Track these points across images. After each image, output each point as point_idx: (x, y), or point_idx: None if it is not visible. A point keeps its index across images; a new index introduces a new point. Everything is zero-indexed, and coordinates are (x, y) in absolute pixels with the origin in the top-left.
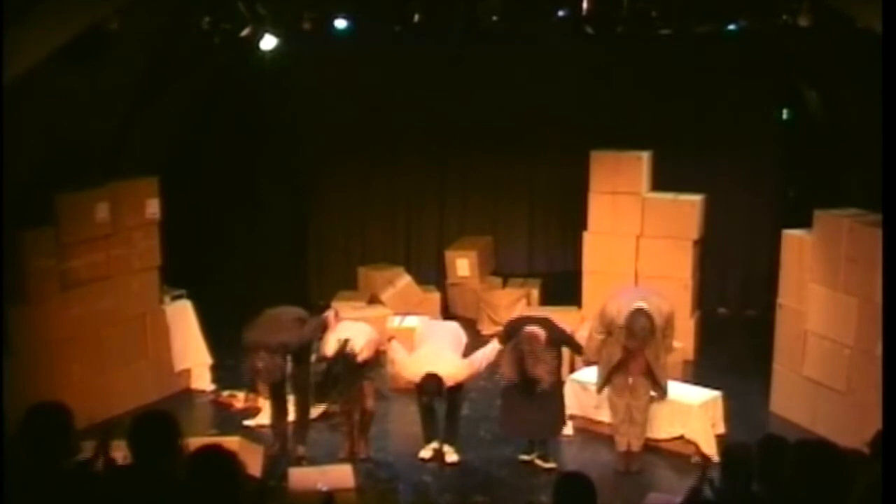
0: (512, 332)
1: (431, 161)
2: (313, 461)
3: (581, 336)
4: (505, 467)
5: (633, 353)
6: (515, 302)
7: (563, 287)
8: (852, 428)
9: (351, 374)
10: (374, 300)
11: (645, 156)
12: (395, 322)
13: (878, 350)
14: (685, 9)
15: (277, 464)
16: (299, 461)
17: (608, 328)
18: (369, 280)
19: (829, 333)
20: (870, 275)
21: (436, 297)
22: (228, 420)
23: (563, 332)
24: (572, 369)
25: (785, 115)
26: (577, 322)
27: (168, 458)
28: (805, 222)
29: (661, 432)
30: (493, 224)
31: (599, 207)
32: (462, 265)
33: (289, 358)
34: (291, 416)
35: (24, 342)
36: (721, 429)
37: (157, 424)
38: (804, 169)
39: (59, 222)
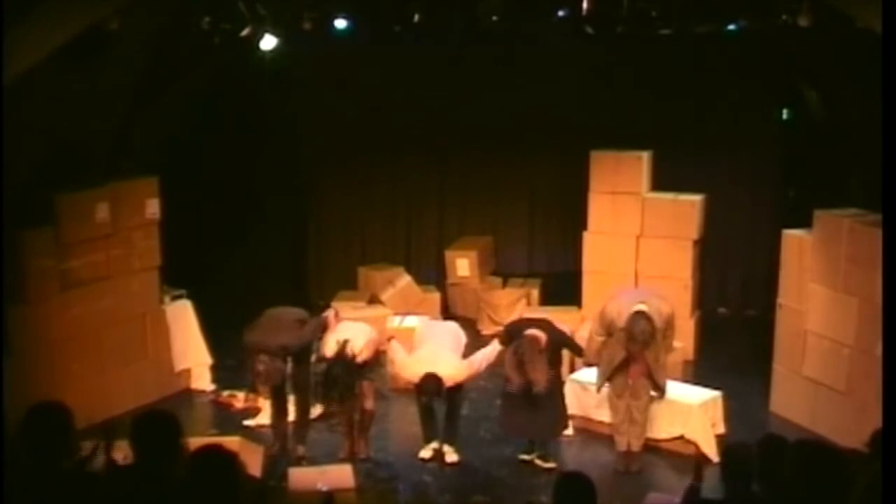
0: (513, 335)
1: (431, 161)
2: (313, 461)
3: (581, 336)
4: (505, 467)
5: (634, 355)
6: (515, 302)
7: (563, 287)
8: (852, 428)
9: (350, 375)
10: (374, 300)
11: (645, 156)
12: (395, 322)
13: (878, 350)
14: (685, 9)
15: (277, 464)
16: (299, 461)
17: (608, 330)
18: (369, 280)
19: (829, 333)
20: (870, 275)
21: (436, 297)
22: (228, 420)
23: (563, 334)
24: (572, 369)
25: (785, 115)
26: (577, 322)
27: (169, 457)
28: (805, 222)
29: (661, 432)
30: (493, 224)
31: (599, 207)
32: (462, 265)
33: (289, 359)
34: (291, 416)
35: (24, 342)
36: (721, 429)
37: (159, 424)
38: (804, 169)
39: (59, 222)
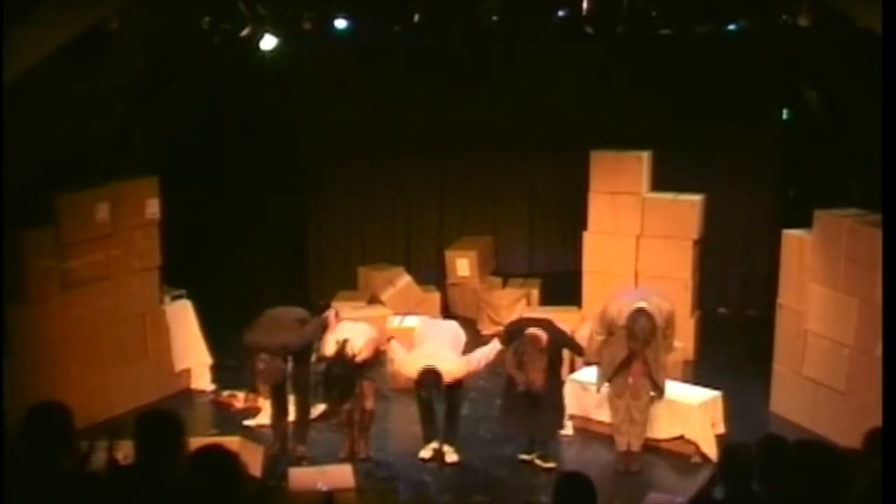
0: (513, 335)
1: (431, 161)
2: (313, 461)
3: (581, 336)
4: (505, 467)
5: (635, 353)
6: (515, 302)
7: (563, 287)
8: (852, 428)
9: (350, 374)
10: (374, 300)
11: (645, 156)
12: (395, 322)
13: (878, 350)
14: (685, 9)
15: (277, 464)
16: (299, 461)
17: (609, 329)
18: (369, 280)
19: (829, 333)
20: (870, 275)
21: (436, 297)
22: (228, 420)
23: (563, 333)
24: (572, 369)
25: (785, 115)
26: (578, 322)
27: (171, 457)
28: (805, 222)
29: (661, 432)
30: (493, 224)
31: (599, 207)
32: (462, 265)
33: (289, 358)
34: (291, 416)
35: (24, 342)
36: (721, 429)
37: (163, 423)
38: (804, 169)
39: (59, 222)
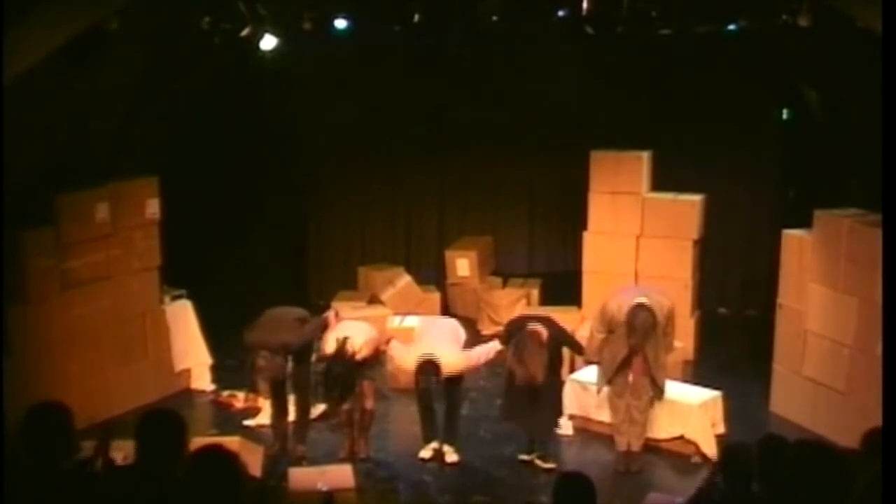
0: (514, 331)
1: (431, 161)
2: (313, 461)
3: (581, 336)
4: (505, 467)
5: (635, 351)
6: (515, 302)
7: (563, 287)
8: (852, 428)
9: (350, 373)
10: (374, 300)
11: (645, 156)
12: (395, 322)
13: (878, 350)
14: (685, 9)
15: (277, 464)
16: (299, 461)
17: (609, 326)
18: (369, 280)
19: (829, 333)
20: (870, 275)
21: (436, 297)
22: (228, 420)
23: (564, 331)
24: (572, 369)
25: (785, 115)
26: (578, 322)
27: (173, 457)
28: (805, 222)
29: (661, 432)
30: (493, 224)
31: (599, 207)
32: (462, 265)
33: (289, 358)
34: (291, 416)
35: (24, 342)
36: (721, 429)
37: (165, 422)
38: (804, 169)
39: (59, 222)
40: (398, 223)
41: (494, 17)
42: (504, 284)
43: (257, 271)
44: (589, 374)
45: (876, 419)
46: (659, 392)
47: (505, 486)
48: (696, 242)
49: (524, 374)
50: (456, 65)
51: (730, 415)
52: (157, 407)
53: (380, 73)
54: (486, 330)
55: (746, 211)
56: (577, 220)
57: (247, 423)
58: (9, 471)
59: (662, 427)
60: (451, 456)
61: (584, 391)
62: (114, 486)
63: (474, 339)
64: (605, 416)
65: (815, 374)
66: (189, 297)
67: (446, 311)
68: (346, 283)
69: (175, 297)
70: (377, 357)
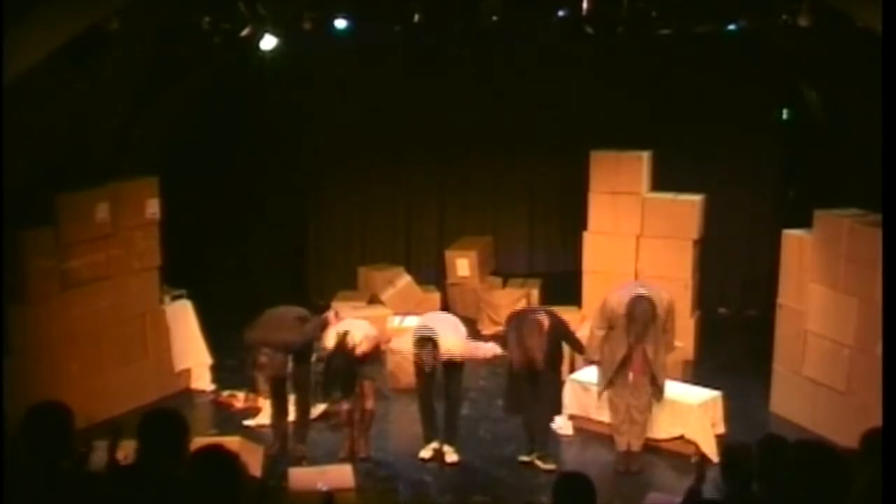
0: (515, 318)
1: (431, 161)
2: (313, 461)
3: (582, 336)
4: (505, 467)
5: (636, 344)
6: (515, 302)
7: (563, 287)
8: (852, 428)
9: (351, 367)
10: (374, 300)
11: (645, 156)
12: (395, 322)
13: (878, 350)
14: (685, 9)
15: (277, 464)
16: (299, 461)
17: (609, 322)
18: (369, 280)
19: (829, 333)
20: (870, 275)
21: (436, 297)
22: (228, 420)
23: (565, 325)
24: (572, 369)
25: (785, 115)
26: (578, 322)
27: (174, 456)
28: (805, 222)
29: (661, 432)
30: (493, 224)
31: (599, 207)
32: (462, 265)
33: (290, 358)
34: (291, 416)
35: (24, 342)
36: (721, 429)
37: (167, 422)
38: (804, 169)
39: (59, 222)
40: (398, 223)
41: (494, 17)
42: (504, 284)
43: (257, 271)
44: (589, 374)
45: (876, 419)
46: (658, 392)
47: (505, 486)
48: (696, 242)
49: (522, 357)
50: (456, 65)
51: (730, 415)
52: (158, 407)
53: (380, 73)
54: (486, 330)
55: (746, 211)
56: (577, 220)
57: (247, 423)
58: (9, 471)
59: (662, 427)
60: (451, 456)
61: (584, 391)
62: (114, 485)
63: (474, 339)
64: (605, 416)
65: (815, 374)
66: (189, 297)
67: (446, 311)
68: (346, 283)
69: (175, 297)
70: (377, 354)
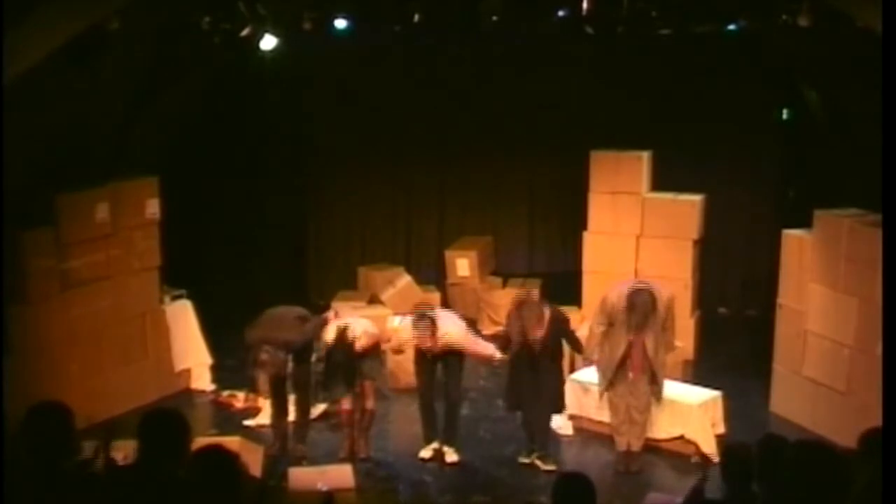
0: (519, 302)
1: (431, 161)
2: (313, 461)
3: (581, 336)
4: (505, 467)
5: (635, 340)
6: None
7: (563, 287)
8: (852, 428)
9: (351, 361)
10: (374, 300)
11: (645, 156)
12: (396, 322)
13: (878, 350)
14: (685, 9)
15: (277, 464)
16: (299, 461)
17: (609, 317)
18: (369, 280)
19: (829, 333)
20: (870, 275)
21: (436, 297)
22: (228, 420)
23: (567, 322)
24: (572, 369)
25: (785, 115)
26: (578, 322)
27: (175, 456)
28: (805, 222)
29: (661, 432)
30: (493, 224)
31: (599, 207)
32: (462, 265)
33: (290, 357)
34: (291, 416)
35: (24, 342)
36: (721, 429)
37: (168, 422)
38: (804, 169)
39: (59, 222)
40: (398, 223)
41: (494, 17)
42: (504, 284)
43: (257, 271)
44: (589, 374)
45: (876, 419)
46: (657, 391)
47: (505, 486)
48: (696, 242)
49: (520, 332)
50: (456, 65)
51: (730, 415)
52: (160, 407)
53: (380, 73)
54: (486, 330)
55: (746, 211)
56: (577, 220)
57: (247, 423)
58: (9, 471)
59: (662, 427)
60: (451, 456)
61: (584, 391)
62: (114, 486)
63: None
64: (605, 416)
65: (815, 375)
66: (189, 297)
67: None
68: (346, 283)
69: (175, 297)
70: (377, 352)
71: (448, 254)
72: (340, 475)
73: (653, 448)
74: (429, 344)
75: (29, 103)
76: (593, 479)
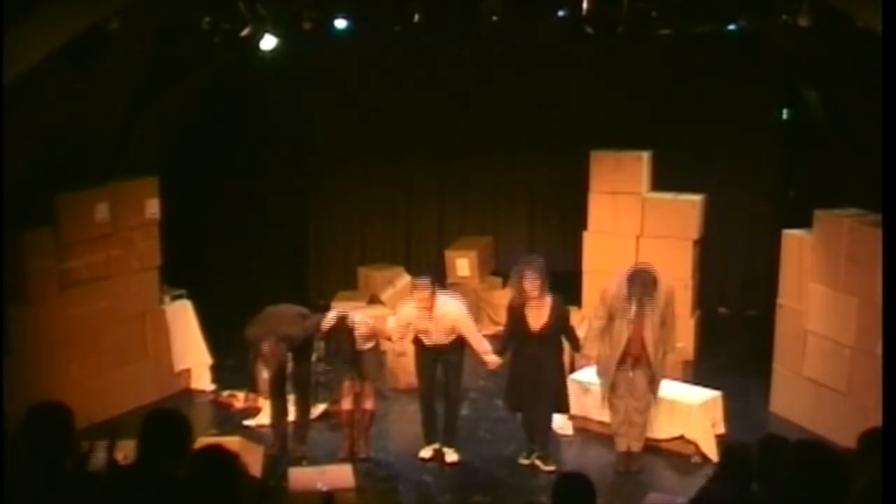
0: (522, 261)
1: (431, 161)
2: (313, 461)
3: (581, 336)
4: (505, 467)
5: (635, 320)
6: None
7: (563, 287)
8: (852, 428)
9: (352, 348)
10: (374, 300)
11: (645, 156)
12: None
13: (878, 350)
14: (685, 9)
15: (277, 464)
16: (299, 461)
17: (609, 310)
18: (369, 280)
19: (829, 333)
20: (870, 275)
21: None
22: (228, 420)
23: (568, 316)
24: (572, 369)
25: (785, 115)
26: (578, 322)
27: (175, 456)
28: (805, 222)
29: (661, 432)
30: (493, 224)
31: (599, 207)
32: (462, 265)
33: (290, 355)
34: (291, 416)
35: (24, 342)
36: (721, 429)
37: (169, 422)
38: (804, 169)
39: (59, 222)
40: (398, 223)
41: (494, 17)
42: (504, 284)
43: (257, 271)
44: (589, 374)
45: (876, 419)
46: (654, 388)
47: (505, 486)
48: (696, 242)
49: (519, 292)
50: (456, 65)
51: (730, 415)
52: (161, 407)
53: (380, 73)
54: (486, 330)
55: (746, 211)
56: (577, 220)
57: (247, 423)
58: (9, 471)
59: (662, 427)
60: (451, 456)
61: (584, 391)
62: (115, 486)
63: None
64: (605, 416)
65: (815, 375)
66: (189, 297)
67: None
68: (346, 283)
69: (175, 297)
70: (377, 349)
71: (448, 254)
72: (340, 475)
73: (653, 448)
74: (427, 324)
75: (29, 103)
76: (593, 479)
